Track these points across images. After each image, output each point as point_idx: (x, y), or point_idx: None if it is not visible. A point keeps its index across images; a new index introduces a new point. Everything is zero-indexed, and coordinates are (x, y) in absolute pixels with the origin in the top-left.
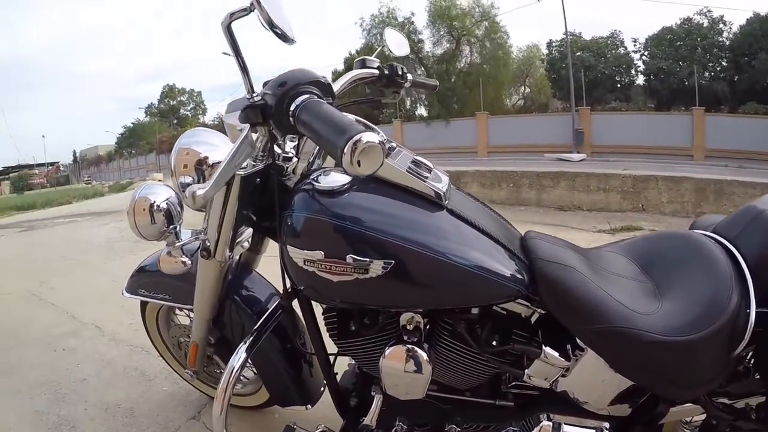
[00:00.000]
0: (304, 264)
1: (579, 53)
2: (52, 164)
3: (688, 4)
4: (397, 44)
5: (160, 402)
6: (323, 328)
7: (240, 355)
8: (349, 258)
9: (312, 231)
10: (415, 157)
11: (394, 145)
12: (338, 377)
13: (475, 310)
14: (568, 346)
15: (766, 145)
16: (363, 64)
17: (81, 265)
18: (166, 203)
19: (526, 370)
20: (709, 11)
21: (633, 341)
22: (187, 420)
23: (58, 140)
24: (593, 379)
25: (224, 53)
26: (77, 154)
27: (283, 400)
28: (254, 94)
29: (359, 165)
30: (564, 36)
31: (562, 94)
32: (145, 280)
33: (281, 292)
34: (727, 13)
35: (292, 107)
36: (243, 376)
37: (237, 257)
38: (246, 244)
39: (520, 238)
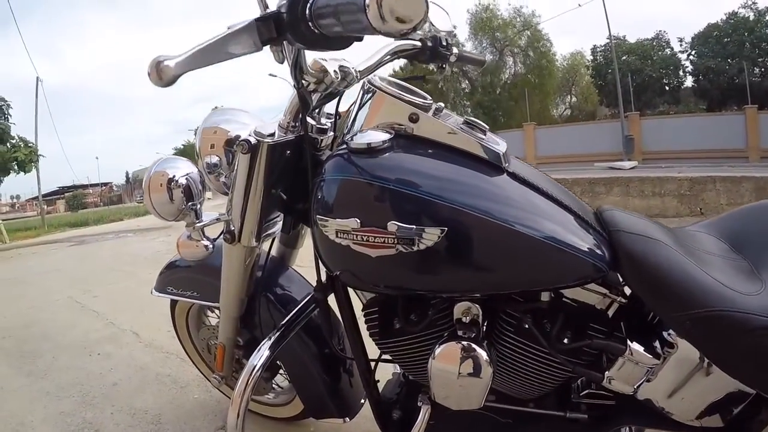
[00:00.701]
0: (337, 237)
1: (624, 57)
2: (105, 184)
3: None
4: (438, 18)
5: (189, 410)
6: (363, 330)
7: (262, 353)
8: (391, 225)
9: (346, 195)
10: (468, 118)
11: (442, 105)
12: (380, 386)
13: (544, 297)
14: (656, 343)
15: None
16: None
17: (126, 276)
18: (186, 179)
19: (607, 373)
20: (754, 3)
21: (739, 327)
22: (216, 430)
23: (111, 162)
24: (681, 383)
25: (270, 75)
26: (129, 175)
27: (318, 412)
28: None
29: (391, 15)
30: (608, 40)
31: (609, 100)
32: (173, 276)
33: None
34: None
35: (308, 6)
36: (276, 384)
37: (269, 249)
38: (280, 237)
39: (594, 212)
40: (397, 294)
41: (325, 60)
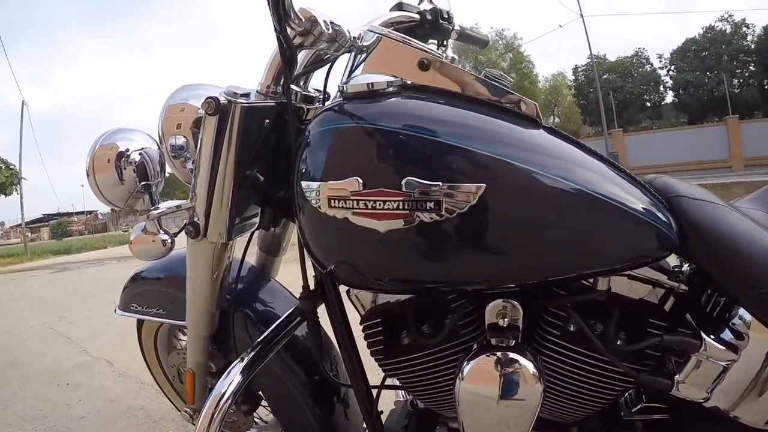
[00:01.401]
0: (330, 206)
1: (606, 75)
2: (90, 212)
3: (709, 11)
4: None
5: None
6: (362, 349)
7: (232, 378)
8: (408, 183)
9: (342, 148)
10: (488, 70)
11: (455, 57)
12: (384, 418)
13: (601, 285)
14: (727, 334)
15: None
16: (400, 7)
17: (104, 302)
18: (140, 154)
19: (677, 377)
20: (730, 16)
21: None
22: None
23: None
24: (756, 379)
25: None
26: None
27: None
28: None
29: None
30: (589, 59)
31: (592, 119)
32: (138, 291)
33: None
34: (748, 15)
35: None
36: (259, 418)
37: (244, 251)
38: (260, 243)
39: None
40: (409, 292)
41: (315, 10)
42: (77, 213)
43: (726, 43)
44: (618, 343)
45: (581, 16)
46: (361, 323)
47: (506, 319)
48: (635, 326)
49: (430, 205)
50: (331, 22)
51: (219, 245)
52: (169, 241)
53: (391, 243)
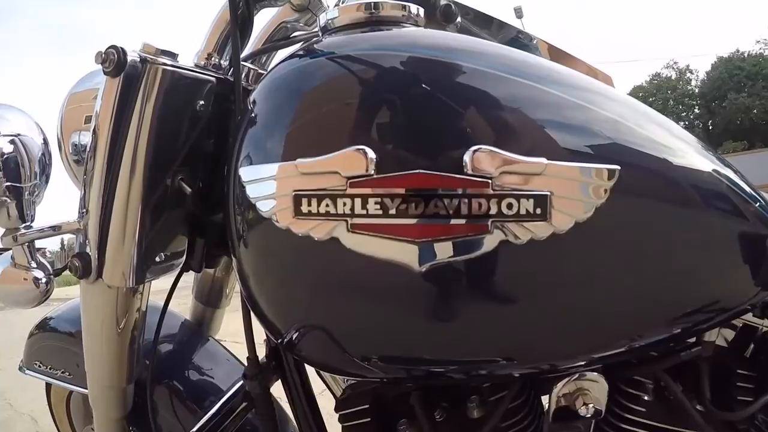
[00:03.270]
0: (300, 214)
1: None
2: (38, 250)
3: (656, 58)
4: None
5: None
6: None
7: None
8: (477, 156)
9: (332, 92)
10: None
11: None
12: None
13: (710, 335)
14: None
15: (753, 178)
16: None
17: None
18: (11, 141)
19: None
20: (675, 63)
21: None
22: None
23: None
24: None
25: None
26: (64, 242)
27: None
28: None
29: None
30: None
31: None
32: (43, 344)
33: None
34: (692, 61)
35: None
36: None
37: (167, 300)
38: (196, 290)
39: None
40: (430, 383)
41: None
42: None
43: (672, 89)
44: (727, 406)
45: None
46: (337, 410)
47: (584, 403)
48: (725, 384)
49: (525, 205)
50: None
51: (124, 290)
52: (44, 280)
53: (426, 292)
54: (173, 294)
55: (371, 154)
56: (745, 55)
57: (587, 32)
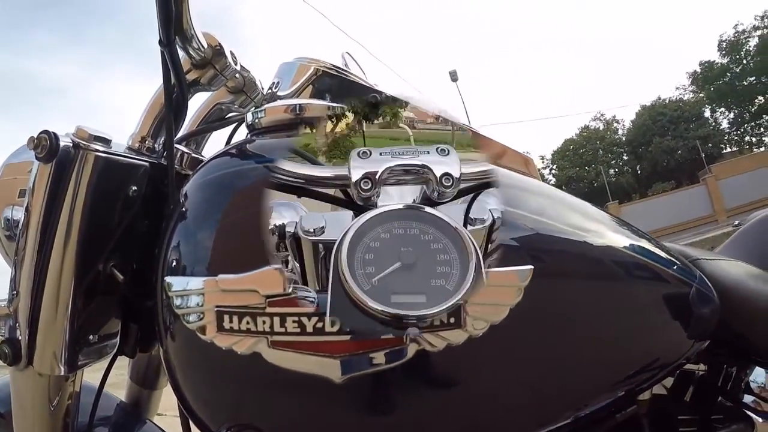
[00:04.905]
0: (223, 330)
1: None
2: None
3: (584, 112)
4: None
5: None
6: None
7: None
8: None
9: (252, 202)
10: None
11: None
12: None
13: (643, 395)
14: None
15: (677, 218)
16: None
17: None
18: None
19: None
20: (602, 115)
21: None
22: None
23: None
24: None
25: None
26: None
27: None
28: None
29: None
30: None
31: None
32: None
33: None
34: (618, 111)
35: None
36: None
37: (101, 383)
38: (131, 371)
39: None
40: None
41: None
42: None
43: (600, 139)
44: None
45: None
46: None
47: None
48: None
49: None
50: (241, 65)
51: (56, 379)
52: None
53: (350, 399)
54: (107, 376)
55: (288, 273)
56: (667, 101)
57: (520, 93)
